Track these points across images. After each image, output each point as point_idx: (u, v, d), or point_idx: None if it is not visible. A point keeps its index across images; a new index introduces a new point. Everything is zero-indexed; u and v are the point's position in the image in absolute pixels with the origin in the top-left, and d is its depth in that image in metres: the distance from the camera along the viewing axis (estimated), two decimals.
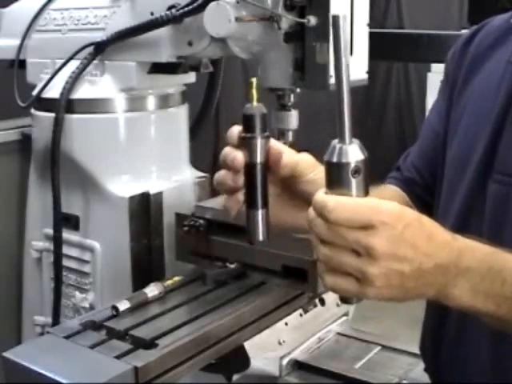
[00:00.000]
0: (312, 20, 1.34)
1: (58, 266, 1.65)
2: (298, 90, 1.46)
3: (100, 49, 1.63)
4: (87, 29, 1.70)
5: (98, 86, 1.66)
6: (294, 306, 1.52)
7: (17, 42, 1.83)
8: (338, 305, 1.69)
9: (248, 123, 1.02)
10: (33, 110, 1.76)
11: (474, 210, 1.18)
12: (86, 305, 1.66)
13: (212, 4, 1.42)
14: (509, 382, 1.14)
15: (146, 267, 1.65)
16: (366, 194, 0.87)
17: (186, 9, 1.48)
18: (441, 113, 1.32)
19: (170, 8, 1.51)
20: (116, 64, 1.65)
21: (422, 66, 4.69)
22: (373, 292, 0.86)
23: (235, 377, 1.51)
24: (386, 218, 0.84)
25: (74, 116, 1.64)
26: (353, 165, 0.86)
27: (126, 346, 1.23)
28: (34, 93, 1.75)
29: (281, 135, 1.49)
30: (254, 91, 1.01)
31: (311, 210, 0.87)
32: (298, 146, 1.52)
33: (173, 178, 1.73)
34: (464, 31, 1.48)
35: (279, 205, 1.09)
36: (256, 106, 1.02)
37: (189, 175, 1.77)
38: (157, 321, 1.34)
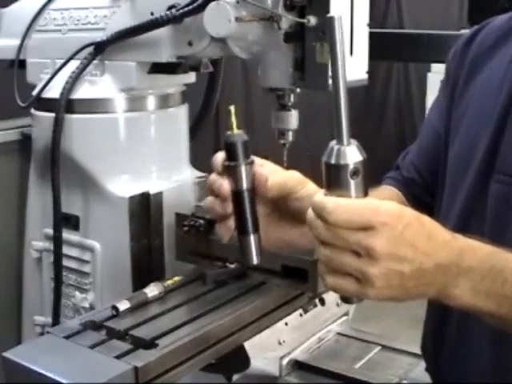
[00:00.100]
0: (312, 20, 1.34)
1: (57, 266, 1.65)
2: (298, 90, 1.46)
3: (100, 49, 1.63)
4: (87, 29, 1.70)
5: (98, 86, 1.66)
6: (294, 306, 1.52)
7: (17, 42, 1.83)
8: (338, 305, 1.69)
9: (230, 151, 1.02)
10: (33, 110, 1.76)
11: (476, 210, 1.18)
12: (86, 305, 1.66)
13: (212, 4, 1.42)
14: (509, 381, 1.15)
15: (145, 267, 1.65)
16: (365, 195, 0.87)
17: (186, 9, 1.48)
18: (442, 112, 1.32)
19: (170, 8, 1.51)
20: (116, 64, 1.65)
21: (421, 65, 4.69)
22: (373, 292, 0.86)
23: (235, 377, 1.51)
24: (385, 218, 0.84)
25: (74, 116, 1.64)
26: (351, 166, 0.86)
27: (126, 345, 1.23)
28: (34, 93, 1.75)
29: (281, 135, 1.49)
30: (234, 118, 1.01)
31: (310, 212, 0.87)
32: (297, 146, 1.52)
33: (173, 178, 1.73)
34: (464, 31, 1.48)
35: (270, 224, 1.09)
36: (237, 134, 1.02)
37: (189, 175, 1.77)
38: (157, 321, 1.33)
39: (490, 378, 1.16)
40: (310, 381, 1.58)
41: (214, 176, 1.06)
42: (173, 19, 1.49)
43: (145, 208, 1.63)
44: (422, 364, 1.41)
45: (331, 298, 1.65)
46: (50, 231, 1.66)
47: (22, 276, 1.88)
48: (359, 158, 0.86)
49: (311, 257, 1.34)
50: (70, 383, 1.10)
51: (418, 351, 1.45)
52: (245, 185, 1.02)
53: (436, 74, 3.90)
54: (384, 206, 0.86)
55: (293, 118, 1.47)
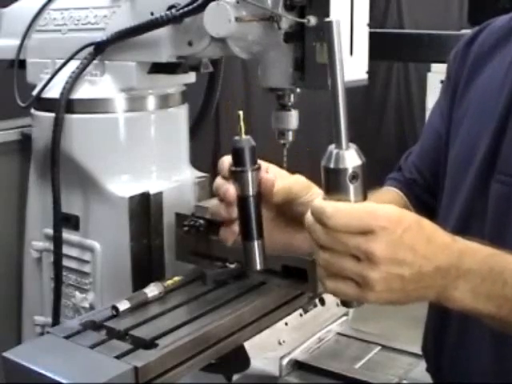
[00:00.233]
0: (312, 20, 1.34)
1: (57, 266, 1.65)
2: (298, 90, 1.46)
3: (100, 49, 1.63)
4: (87, 29, 1.70)
5: (98, 86, 1.66)
6: (294, 306, 1.52)
7: (17, 42, 1.83)
8: (338, 305, 1.69)
9: (237, 157, 1.02)
10: (33, 110, 1.76)
11: (476, 210, 1.18)
12: (86, 305, 1.66)
13: (212, 4, 1.42)
14: (510, 383, 1.14)
15: (145, 267, 1.65)
16: (365, 198, 0.87)
17: (186, 9, 1.48)
18: (443, 113, 1.32)
19: (169, 8, 1.51)
20: (116, 64, 1.65)
21: (421, 65, 4.69)
22: (373, 296, 0.86)
23: (235, 377, 1.51)
24: (384, 222, 0.84)
25: (74, 116, 1.64)
26: (350, 170, 0.86)
27: (126, 345, 1.23)
28: (34, 93, 1.75)
29: (281, 135, 1.49)
30: (242, 124, 1.01)
31: (309, 216, 0.87)
32: (297, 147, 1.52)
33: (173, 178, 1.73)
34: (464, 31, 1.48)
35: (275, 228, 1.09)
36: (244, 139, 1.01)
37: (189, 175, 1.77)
38: (157, 321, 1.34)
39: (490, 380, 1.16)
40: (310, 381, 1.58)
41: (219, 180, 1.05)
42: (173, 19, 1.49)
43: (145, 208, 1.63)
44: (422, 364, 1.41)
45: (331, 298, 1.65)
46: (50, 231, 1.66)
47: (22, 276, 1.88)
48: (358, 162, 0.86)
49: (311, 257, 1.34)
50: (69, 383, 1.10)
51: (418, 351, 1.45)
52: (251, 190, 1.02)
53: (436, 74, 3.89)
54: (383, 209, 0.85)
55: (293, 118, 1.47)
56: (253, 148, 1.02)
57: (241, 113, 1.00)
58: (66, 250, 1.66)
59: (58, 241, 1.63)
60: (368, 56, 1.44)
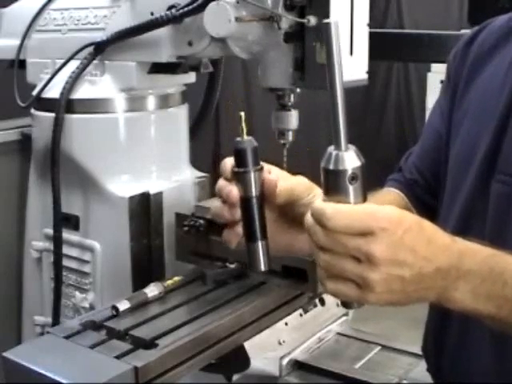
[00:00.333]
0: (312, 20, 1.34)
1: (58, 266, 1.65)
2: (298, 89, 1.46)
3: (100, 49, 1.63)
4: (87, 29, 1.70)
5: (98, 86, 1.66)
6: (294, 306, 1.52)
7: (17, 42, 1.83)
8: (337, 305, 1.69)
9: (240, 158, 1.01)
10: (33, 110, 1.76)
11: (477, 210, 1.18)
12: (86, 305, 1.66)
13: (212, 4, 1.42)
14: None
15: (145, 267, 1.65)
16: (364, 200, 0.87)
17: (186, 9, 1.48)
18: (443, 113, 1.32)
19: (169, 8, 1.51)
20: (116, 64, 1.65)
21: (421, 65, 4.69)
22: (374, 297, 0.86)
23: (235, 377, 1.51)
24: (384, 223, 0.84)
25: (74, 116, 1.64)
26: (350, 172, 0.86)
27: (126, 345, 1.23)
28: (34, 93, 1.75)
29: (281, 135, 1.49)
30: (244, 125, 1.01)
31: (309, 217, 0.87)
32: (297, 147, 1.52)
33: (173, 178, 1.73)
34: (464, 31, 1.48)
35: (278, 230, 1.09)
36: (247, 140, 1.01)
37: (189, 175, 1.77)
38: (157, 321, 1.34)
39: (491, 381, 1.16)
40: (310, 381, 1.58)
41: (222, 182, 1.05)
42: (173, 19, 1.49)
43: (145, 208, 1.63)
44: (422, 364, 1.41)
45: (331, 298, 1.65)
46: (50, 231, 1.66)
47: (22, 276, 1.88)
48: (357, 164, 0.86)
49: (312, 258, 1.33)
50: (69, 383, 1.10)
51: (418, 351, 1.45)
52: (254, 191, 1.02)
53: (436, 74, 3.89)
54: (383, 211, 0.85)
55: (293, 118, 1.47)
56: (255, 149, 1.02)
57: (242, 114, 1.00)
58: (66, 250, 1.66)
59: (58, 241, 1.63)
60: (368, 56, 1.44)
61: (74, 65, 1.65)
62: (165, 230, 1.66)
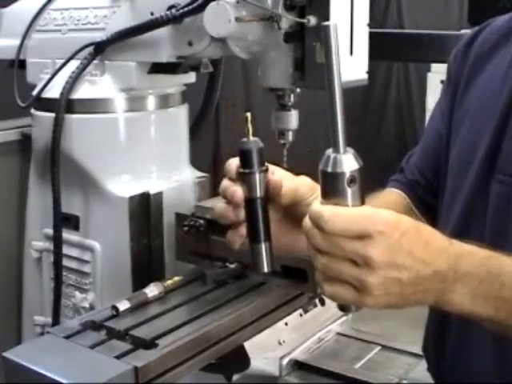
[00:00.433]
0: (312, 20, 1.34)
1: (57, 266, 1.65)
2: (298, 89, 1.46)
3: (100, 49, 1.63)
4: (87, 29, 1.70)
5: (98, 86, 1.66)
6: (294, 306, 1.52)
7: (17, 42, 1.83)
8: None
9: (245, 158, 1.01)
10: (33, 110, 1.76)
11: (477, 210, 1.18)
12: (86, 305, 1.66)
13: (212, 4, 1.42)
14: None
15: (145, 267, 1.65)
16: (362, 203, 0.87)
17: (186, 9, 1.48)
18: (443, 114, 1.32)
19: (169, 8, 1.51)
20: (116, 64, 1.65)
21: (421, 65, 4.68)
22: (371, 300, 0.86)
23: (235, 377, 1.51)
24: (381, 227, 0.84)
25: (74, 116, 1.64)
26: (348, 174, 0.85)
27: (126, 345, 1.23)
28: (34, 93, 1.75)
29: (281, 135, 1.49)
30: (250, 125, 1.00)
31: (307, 220, 0.87)
32: (297, 147, 1.52)
33: (173, 178, 1.73)
34: (464, 31, 1.48)
35: (282, 230, 1.09)
36: (252, 141, 1.01)
37: (189, 175, 1.77)
38: (157, 321, 1.34)
39: (492, 382, 1.16)
40: (310, 381, 1.58)
41: (226, 182, 1.04)
42: (173, 19, 1.49)
43: (145, 208, 1.63)
44: (422, 364, 1.41)
45: None
46: (50, 231, 1.66)
47: (22, 276, 1.88)
48: (356, 166, 0.86)
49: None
50: (69, 383, 1.10)
51: (418, 351, 1.45)
52: (259, 192, 1.02)
53: (436, 74, 3.89)
54: (380, 214, 0.85)
55: (293, 118, 1.47)
56: (260, 150, 1.02)
57: (249, 114, 1.00)
58: (66, 250, 1.66)
59: (58, 241, 1.63)
60: (368, 56, 1.44)
61: (74, 65, 1.65)
62: (165, 230, 1.66)
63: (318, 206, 0.86)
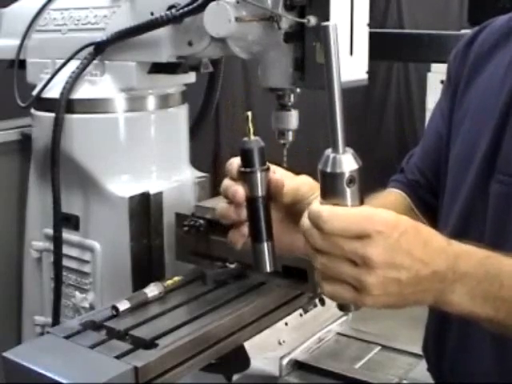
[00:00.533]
0: (312, 20, 1.34)
1: (57, 266, 1.65)
2: (298, 90, 1.46)
3: (100, 49, 1.63)
4: (87, 29, 1.70)
5: (98, 86, 1.66)
6: (294, 306, 1.52)
7: (17, 42, 1.83)
8: None
9: (246, 158, 1.01)
10: (33, 110, 1.76)
11: (477, 210, 1.18)
12: (86, 305, 1.66)
13: (212, 4, 1.42)
14: None
15: (145, 267, 1.65)
16: (361, 203, 0.87)
17: (186, 9, 1.48)
18: (443, 114, 1.32)
19: (169, 8, 1.51)
20: (116, 64, 1.65)
21: (422, 65, 4.68)
22: (370, 300, 0.86)
23: (235, 377, 1.51)
24: (380, 226, 0.84)
25: (74, 116, 1.64)
26: (347, 175, 0.85)
27: (126, 346, 1.23)
28: (34, 93, 1.75)
29: (281, 135, 1.49)
30: (251, 125, 1.00)
31: (305, 220, 0.87)
32: (297, 147, 1.52)
33: (173, 178, 1.73)
34: (464, 31, 1.48)
35: (283, 229, 1.09)
36: (253, 140, 1.01)
37: (189, 175, 1.77)
38: (157, 321, 1.34)
39: (492, 382, 1.16)
40: (310, 381, 1.58)
41: (228, 181, 1.04)
42: (173, 19, 1.49)
43: (145, 208, 1.63)
44: (422, 364, 1.41)
45: None
46: (50, 231, 1.66)
47: (22, 276, 1.88)
48: (355, 166, 0.86)
49: None
50: (69, 383, 1.10)
51: (418, 351, 1.45)
52: (260, 191, 1.02)
53: (436, 74, 3.88)
54: (379, 214, 0.85)
55: (293, 118, 1.47)
56: (262, 149, 1.02)
57: (250, 113, 1.00)
58: (66, 250, 1.66)
59: (58, 241, 1.63)
60: (368, 56, 1.44)
61: (74, 65, 1.65)
62: (165, 230, 1.66)
63: (317, 205, 0.86)
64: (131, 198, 1.62)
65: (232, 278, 1.50)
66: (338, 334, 1.74)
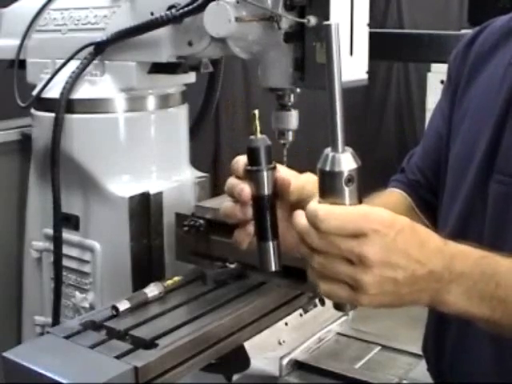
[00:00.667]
0: (312, 20, 1.34)
1: (57, 266, 1.65)
2: (298, 90, 1.46)
3: (100, 49, 1.63)
4: (87, 29, 1.70)
5: (98, 86, 1.66)
6: (294, 306, 1.52)
7: (17, 41, 1.83)
8: None
9: (253, 156, 1.01)
10: (33, 110, 1.76)
11: (476, 209, 1.18)
12: (86, 305, 1.66)
13: (212, 4, 1.42)
14: None
15: (145, 267, 1.65)
16: (360, 202, 0.87)
17: (186, 9, 1.48)
18: (444, 114, 1.32)
19: (170, 8, 1.51)
20: (116, 64, 1.65)
21: (421, 65, 4.69)
22: (367, 299, 0.86)
23: (235, 377, 1.51)
24: (377, 225, 0.84)
25: (74, 116, 1.64)
26: (346, 174, 0.85)
27: (126, 346, 1.23)
28: (34, 93, 1.75)
29: (281, 135, 1.49)
30: (257, 123, 1.00)
31: (303, 219, 0.87)
32: (297, 147, 1.52)
33: (173, 178, 1.73)
34: (464, 31, 1.48)
35: (288, 228, 1.08)
36: (260, 138, 1.00)
37: (189, 175, 1.77)
38: (157, 321, 1.33)
39: (491, 382, 1.16)
40: (310, 381, 1.58)
41: (233, 180, 1.03)
42: (173, 19, 1.49)
43: (145, 208, 1.63)
44: (422, 364, 1.41)
45: None
46: (50, 231, 1.66)
47: (22, 276, 1.88)
48: (354, 166, 0.86)
49: None
50: (69, 383, 1.10)
51: (418, 351, 1.45)
52: (266, 190, 1.01)
53: (436, 74, 3.89)
54: (376, 212, 0.85)
55: (293, 118, 1.47)
56: (268, 147, 1.01)
57: (256, 112, 1.00)
58: (66, 250, 1.66)
59: (58, 241, 1.63)
60: (368, 56, 1.44)
61: (74, 65, 1.65)
62: (165, 230, 1.66)
63: (314, 204, 0.86)
64: (131, 198, 1.62)
65: (232, 278, 1.50)
66: (338, 333, 1.74)
